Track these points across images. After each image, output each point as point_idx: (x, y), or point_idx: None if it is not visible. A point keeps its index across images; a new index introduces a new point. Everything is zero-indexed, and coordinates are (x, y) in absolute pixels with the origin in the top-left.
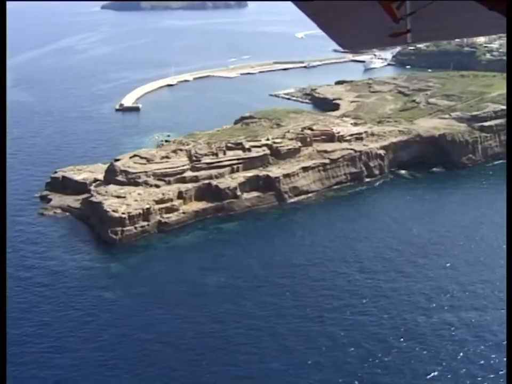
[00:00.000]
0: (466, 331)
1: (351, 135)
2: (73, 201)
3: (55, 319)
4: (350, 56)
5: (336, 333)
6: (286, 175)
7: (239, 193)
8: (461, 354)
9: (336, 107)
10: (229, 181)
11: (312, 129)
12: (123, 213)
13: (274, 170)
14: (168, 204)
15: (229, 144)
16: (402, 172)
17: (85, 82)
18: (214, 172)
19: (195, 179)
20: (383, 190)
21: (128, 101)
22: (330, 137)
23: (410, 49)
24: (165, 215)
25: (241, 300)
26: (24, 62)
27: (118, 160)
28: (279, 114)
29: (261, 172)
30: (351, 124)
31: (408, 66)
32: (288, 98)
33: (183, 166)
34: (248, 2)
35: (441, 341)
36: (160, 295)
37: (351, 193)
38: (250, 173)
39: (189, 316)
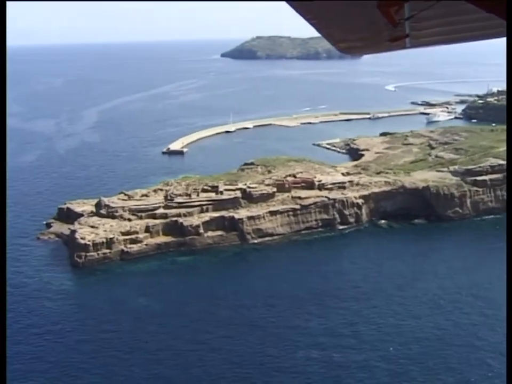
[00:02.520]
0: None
1: (333, 183)
2: (66, 229)
3: None
4: (421, 109)
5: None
6: (251, 217)
7: (201, 230)
8: None
9: (360, 157)
10: (194, 219)
11: (295, 177)
12: (88, 241)
13: (242, 213)
14: (133, 236)
15: (205, 187)
16: (382, 221)
17: (155, 126)
18: (183, 210)
19: (164, 216)
20: (352, 237)
21: (176, 145)
22: (310, 185)
23: (479, 102)
24: (128, 245)
25: (154, 323)
26: (117, 105)
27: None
28: (278, 162)
29: (228, 213)
30: (342, 173)
31: (474, 120)
32: (328, 148)
33: (156, 204)
34: None
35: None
36: (87, 308)
37: (317, 239)
38: (217, 214)
39: (103, 328)
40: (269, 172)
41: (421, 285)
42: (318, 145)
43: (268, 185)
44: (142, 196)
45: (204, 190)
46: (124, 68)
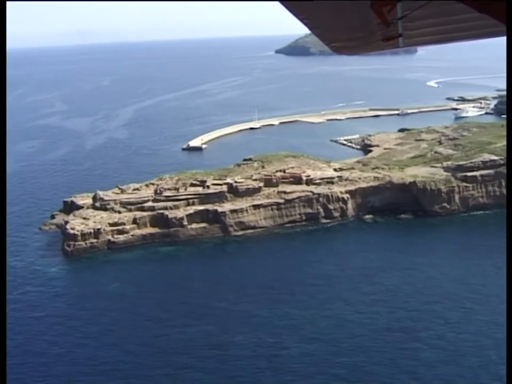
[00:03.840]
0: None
1: (322, 178)
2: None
3: None
4: (453, 105)
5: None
6: (234, 211)
7: (185, 223)
8: None
9: (368, 153)
10: (180, 212)
11: (284, 172)
12: (77, 231)
13: (226, 206)
14: (120, 227)
15: (194, 181)
16: (367, 216)
17: (184, 123)
18: (170, 203)
19: (152, 208)
20: (334, 231)
21: (196, 142)
22: (298, 180)
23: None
24: (115, 236)
25: (122, 307)
26: (155, 103)
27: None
28: (276, 157)
29: (213, 207)
30: (334, 169)
31: (503, 116)
32: (344, 144)
33: (146, 197)
34: (419, 48)
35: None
36: (64, 291)
37: (299, 232)
38: (202, 207)
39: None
40: (263, 167)
41: (386, 277)
42: (336, 141)
43: (255, 180)
44: (134, 189)
45: (192, 185)
46: (174, 66)
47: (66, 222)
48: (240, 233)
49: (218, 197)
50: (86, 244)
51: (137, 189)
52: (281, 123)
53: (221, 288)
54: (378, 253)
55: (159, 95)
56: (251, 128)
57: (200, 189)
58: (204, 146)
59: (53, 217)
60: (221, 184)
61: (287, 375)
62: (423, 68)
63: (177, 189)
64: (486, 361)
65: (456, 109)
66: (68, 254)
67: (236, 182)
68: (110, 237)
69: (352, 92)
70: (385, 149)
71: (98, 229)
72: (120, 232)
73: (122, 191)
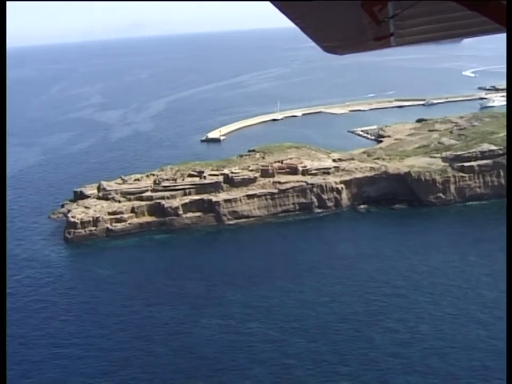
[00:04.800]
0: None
1: (318, 169)
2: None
3: None
4: (482, 94)
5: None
6: (228, 200)
7: (180, 212)
8: None
9: (379, 143)
10: (176, 202)
11: (281, 162)
12: (77, 219)
13: (221, 196)
14: (118, 216)
15: (192, 172)
16: (361, 206)
17: (210, 115)
18: (168, 193)
19: (150, 198)
20: (326, 221)
21: (215, 133)
22: (294, 171)
23: None
24: (113, 224)
25: (110, 290)
26: (188, 95)
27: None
28: (279, 148)
29: (208, 196)
30: (333, 159)
31: None
32: (360, 135)
33: (145, 187)
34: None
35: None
36: (59, 275)
37: (291, 221)
38: (198, 197)
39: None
40: (263, 158)
41: (367, 265)
42: (353, 132)
43: (251, 170)
44: (135, 180)
45: (190, 175)
46: (215, 57)
47: (69, 211)
48: (233, 222)
49: (214, 187)
50: (85, 231)
51: (138, 180)
52: (304, 114)
53: (205, 274)
54: (366, 241)
55: (194, 87)
56: (273, 120)
57: (197, 180)
58: (222, 138)
59: (62, 206)
60: (217, 175)
61: (243, 354)
62: (463, 57)
63: (175, 180)
64: (440, 347)
65: (483, 99)
66: (68, 241)
67: (232, 172)
68: (108, 225)
69: (385, 83)
70: (395, 139)
71: (97, 218)
72: (118, 220)
73: (124, 182)
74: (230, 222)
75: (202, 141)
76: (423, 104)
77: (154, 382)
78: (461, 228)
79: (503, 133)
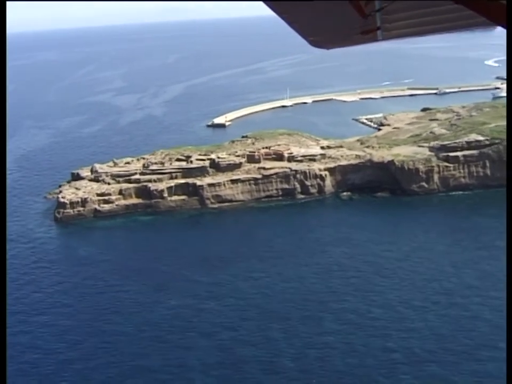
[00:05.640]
0: None
1: (304, 156)
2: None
3: None
4: (497, 84)
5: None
6: (211, 184)
7: (165, 195)
8: None
9: (378, 131)
10: (162, 185)
11: (269, 149)
12: (67, 200)
13: (206, 180)
14: (106, 197)
15: (180, 156)
16: (344, 193)
17: (223, 100)
18: (155, 177)
19: (138, 181)
20: (307, 207)
21: (221, 119)
22: (280, 157)
23: None
24: (101, 205)
25: (89, 269)
26: (207, 80)
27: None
28: (271, 135)
29: (193, 180)
30: (322, 147)
31: None
32: (363, 123)
33: (134, 170)
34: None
35: None
36: (43, 251)
37: (273, 206)
38: (183, 180)
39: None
40: (253, 144)
41: (333, 251)
42: (357, 119)
43: (238, 156)
44: (126, 163)
45: (178, 159)
46: (242, 42)
47: (60, 192)
48: (217, 205)
49: (201, 172)
50: (74, 211)
51: (128, 163)
52: (314, 101)
53: (181, 255)
54: (342, 227)
55: (214, 72)
56: (283, 106)
57: (184, 164)
58: (227, 123)
59: (59, 187)
60: (204, 160)
61: (192, 332)
62: (491, 46)
63: (163, 163)
64: (387, 330)
65: (497, 88)
66: (58, 220)
67: (218, 157)
68: (96, 206)
69: (404, 71)
70: (394, 128)
71: (86, 198)
72: (106, 201)
73: (116, 164)
74: (213, 206)
75: (208, 126)
76: (435, 93)
77: (108, 350)
78: (438, 217)
79: (494, 123)
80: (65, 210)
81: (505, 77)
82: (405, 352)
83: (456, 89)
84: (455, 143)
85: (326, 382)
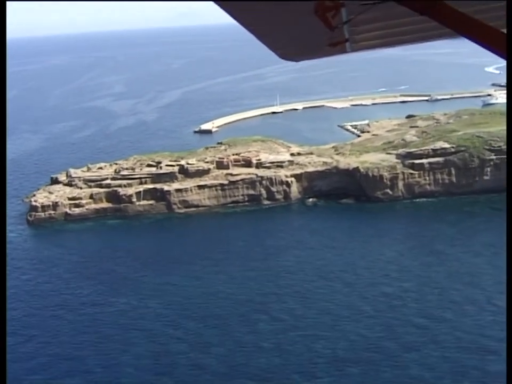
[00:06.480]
0: None
1: (272, 162)
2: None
3: None
4: (491, 91)
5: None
6: (179, 190)
7: (134, 199)
8: None
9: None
10: (131, 190)
11: (238, 155)
12: (39, 203)
13: (173, 185)
14: (77, 201)
15: (150, 162)
16: (310, 200)
17: (216, 106)
18: (125, 182)
19: (109, 186)
20: (272, 212)
21: (208, 125)
22: (248, 163)
23: None
24: (72, 209)
25: (52, 270)
26: (206, 86)
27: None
28: (244, 141)
29: (162, 186)
30: (292, 153)
31: None
32: (348, 130)
33: (106, 175)
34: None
35: None
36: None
37: (239, 211)
38: (152, 186)
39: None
40: (225, 150)
41: (284, 256)
42: (342, 126)
43: (207, 162)
44: (99, 168)
45: (148, 165)
46: (250, 48)
47: (33, 195)
48: (183, 210)
49: (170, 177)
50: (45, 214)
51: (101, 168)
52: (305, 108)
53: (139, 257)
54: (300, 233)
55: (215, 77)
56: (273, 113)
57: (153, 169)
58: (214, 129)
59: (37, 190)
60: (173, 165)
61: (131, 329)
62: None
63: (133, 169)
64: (315, 333)
65: (489, 95)
66: (29, 223)
67: (188, 163)
68: (67, 210)
69: (401, 77)
70: (372, 135)
71: (57, 202)
72: (77, 205)
73: (89, 169)
74: (180, 211)
75: (195, 132)
76: (427, 100)
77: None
78: (397, 224)
79: (462, 131)
80: (36, 213)
81: (501, 84)
82: (328, 354)
83: (448, 96)
84: (421, 150)
85: (247, 378)
